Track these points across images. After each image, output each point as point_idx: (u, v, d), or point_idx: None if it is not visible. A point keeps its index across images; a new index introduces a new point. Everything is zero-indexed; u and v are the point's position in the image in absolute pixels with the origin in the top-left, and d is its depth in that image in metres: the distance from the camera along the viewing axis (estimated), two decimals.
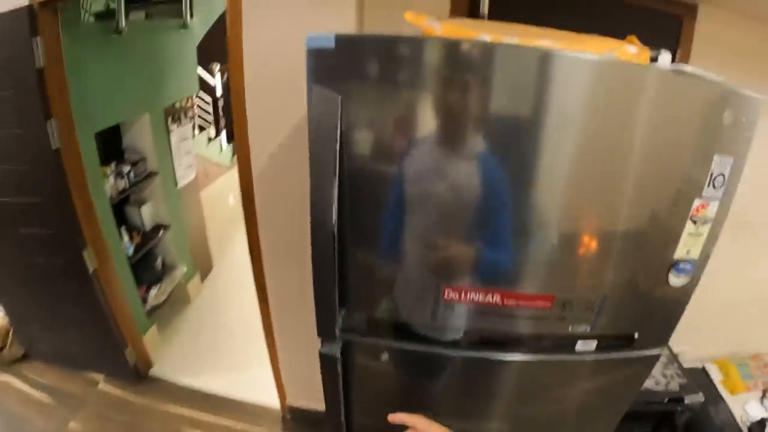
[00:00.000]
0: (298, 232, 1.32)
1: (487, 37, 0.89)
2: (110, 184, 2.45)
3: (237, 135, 1.66)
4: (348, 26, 1.41)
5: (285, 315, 2.01)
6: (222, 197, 4.23)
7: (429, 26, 0.92)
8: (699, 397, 1.85)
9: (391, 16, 1.11)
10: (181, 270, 3.07)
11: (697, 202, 0.94)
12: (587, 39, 0.98)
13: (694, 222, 0.96)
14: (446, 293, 1.00)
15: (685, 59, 1.66)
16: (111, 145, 2.60)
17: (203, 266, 3.47)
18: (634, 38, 1.02)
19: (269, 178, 1.70)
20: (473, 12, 1.55)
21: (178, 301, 3.12)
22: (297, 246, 1.48)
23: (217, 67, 4.70)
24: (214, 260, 3.67)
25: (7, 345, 2.46)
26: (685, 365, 2.02)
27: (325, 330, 1.03)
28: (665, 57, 1.05)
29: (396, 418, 0.75)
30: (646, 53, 0.99)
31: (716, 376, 2.10)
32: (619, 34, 1.07)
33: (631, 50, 0.97)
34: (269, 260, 1.88)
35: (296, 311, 1.88)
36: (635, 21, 1.57)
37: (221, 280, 3.57)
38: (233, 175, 3.23)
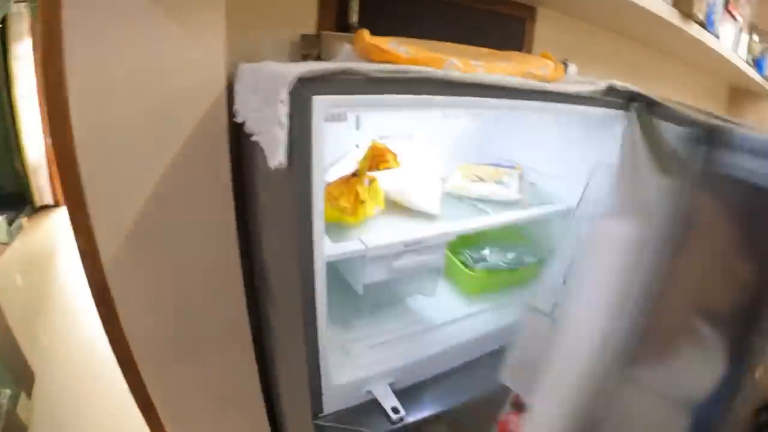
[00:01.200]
0: (184, 320, 1.09)
1: (456, 61, 0.80)
2: None
3: (74, 214, 1.23)
4: (215, 51, 1.14)
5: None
6: (7, 281, 3.35)
7: (393, 50, 0.77)
8: None
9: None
10: (5, 395, 2.34)
11: None
12: (523, 58, 0.97)
13: None
14: None
15: None
16: None
17: (24, 379, 2.70)
18: (547, 53, 1.01)
19: (129, 263, 1.32)
20: (341, 25, 1.41)
21: None
22: (188, 337, 1.20)
23: None
24: (32, 366, 2.90)
25: None
26: None
27: None
28: (572, 68, 1.07)
29: None
30: (561, 66, 1.01)
31: None
32: (476, 38, 1.10)
33: (551, 64, 0.99)
34: (148, 363, 1.49)
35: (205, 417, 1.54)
36: (485, 25, 1.61)
37: (55, 389, 2.83)
38: (14, 251, 2.53)
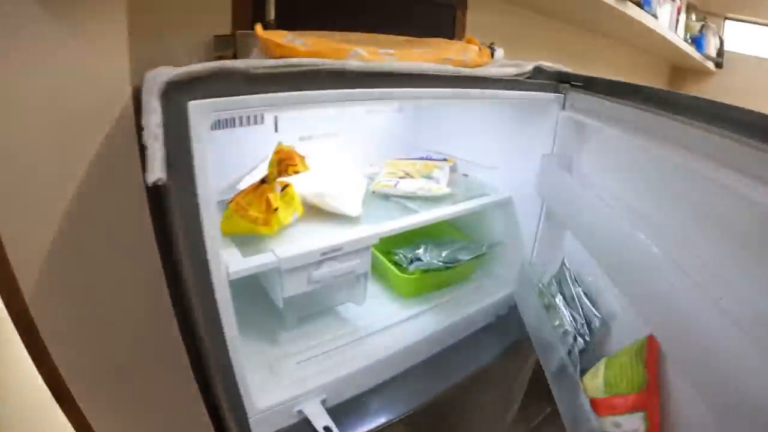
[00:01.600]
0: (116, 343, 1.00)
1: (362, 51, 0.74)
2: None
3: None
4: (118, 60, 1.05)
5: None
6: None
7: (289, 44, 0.70)
8: None
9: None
10: None
11: None
12: (442, 44, 0.92)
13: None
14: None
15: None
16: None
17: None
18: (472, 38, 0.97)
19: (50, 287, 1.21)
20: (258, 22, 1.33)
21: None
22: (123, 362, 1.09)
23: None
24: None
25: None
26: None
27: None
28: (500, 52, 1.03)
29: None
30: (487, 50, 0.97)
31: None
32: (405, 29, 1.05)
33: (476, 49, 0.95)
34: (84, 392, 1.38)
35: None
36: (414, 15, 1.57)
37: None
38: None
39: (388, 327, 1.06)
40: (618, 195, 0.85)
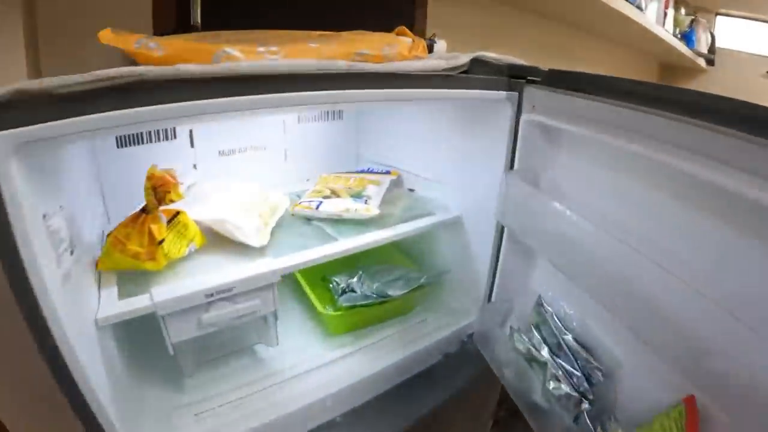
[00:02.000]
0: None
1: (233, 50, 0.58)
2: None
3: None
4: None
5: None
6: None
7: (144, 49, 0.56)
8: None
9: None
10: None
11: None
12: (358, 37, 0.76)
13: None
14: None
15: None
16: None
17: None
18: (404, 29, 0.81)
19: None
20: (183, 25, 1.19)
21: None
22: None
23: None
24: None
25: None
26: None
27: None
28: (441, 44, 0.87)
29: None
30: (422, 42, 0.81)
31: None
32: (359, 23, 0.89)
33: (406, 40, 0.78)
34: None
35: None
36: (361, 9, 1.42)
37: None
38: None
39: (311, 370, 0.90)
40: (605, 213, 0.70)
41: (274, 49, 0.62)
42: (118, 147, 0.94)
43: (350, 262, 0.96)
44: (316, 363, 0.91)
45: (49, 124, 0.47)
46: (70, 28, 0.99)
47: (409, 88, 0.72)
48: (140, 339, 0.87)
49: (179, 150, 1.02)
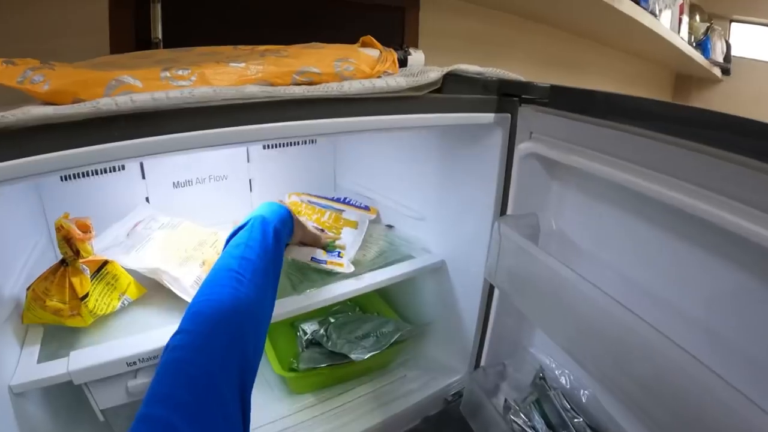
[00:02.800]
0: None
1: (130, 78, 0.47)
2: None
3: None
4: None
5: None
6: None
7: (28, 84, 0.44)
8: None
9: None
10: None
11: None
12: (306, 51, 0.62)
13: None
14: None
15: None
16: None
17: None
18: (370, 38, 0.69)
19: None
20: (143, 41, 1.08)
21: None
22: None
23: None
24: None
25: None
26: None
27: None
28: (417, 56, 0.75)
29: None
30: (392, 55, 0.68)
31: None
32: (339, 34, 0.76)
33: (371, 53, 0.66)
34: None
35: None
36: (358, 18, 1.34)
37: None
38: None
39: None
40: (626, 274, 0.57)
41: (183, 73, 0.49)
42: (62, 180, 0.84)
43: (323, 307, 0.82)
44: (275, 428, 0.79)
45: None
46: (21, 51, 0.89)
47: (359, 116, 0.58)
48: (74, 398, 0.76)
49: (129, 182, 0.91)
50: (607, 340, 0.52)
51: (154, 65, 0.51)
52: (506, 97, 0.68)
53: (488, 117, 0.68)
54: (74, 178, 0.85)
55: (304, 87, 0.54)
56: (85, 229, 0.64)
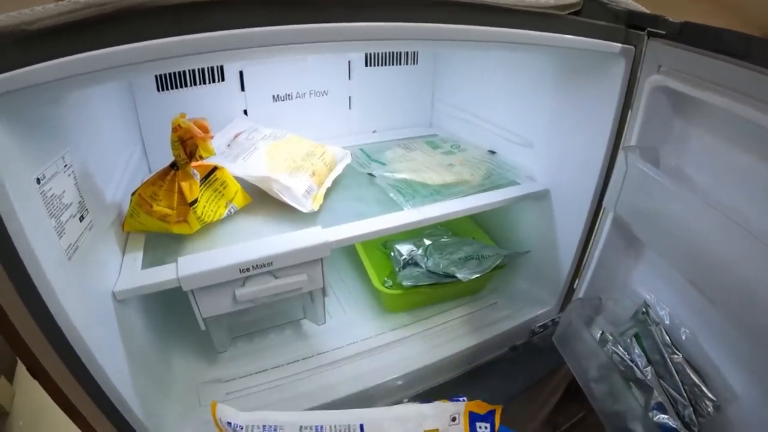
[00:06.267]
0: None
1: None
2: None
3: None
4: None
5: None
6: None
7: None
8: None
9: None
10: None
11: None
12: None
13: None
14: None
15: None
16: None
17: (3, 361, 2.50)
18: None
19: None
20: None
21: None
22: None
23: None
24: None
25: None
26: None
27: None
28: None
29: None
30: None
31: None
32: None
33: None
34: None
35: None
36: None
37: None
38: None
39: (361, 353, 0.80)
40: (747, 216, 0.53)
41: None
42: (158, 90, 0.84)
43: (416, 229, 0.82)
44: (368, 345, 0.81)
45: (20, 71, 0.35)
46: None
47: (507, 27, 0.54)
48: (172, 307, 0.80)
49: (228, 94, 0.91)
50: (735, 271, 0.50)
51: None
52: (634, 29, 0.64)
53: (615, 47, 0.64)
54: (171, 87, 0.85)
55: None
56: (205, 129, 0.63)
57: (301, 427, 0.58)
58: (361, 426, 0.59)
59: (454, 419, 0.60)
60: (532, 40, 0.57)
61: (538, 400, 0.86)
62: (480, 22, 0.52)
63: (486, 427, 0.60)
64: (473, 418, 0.61)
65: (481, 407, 0.62)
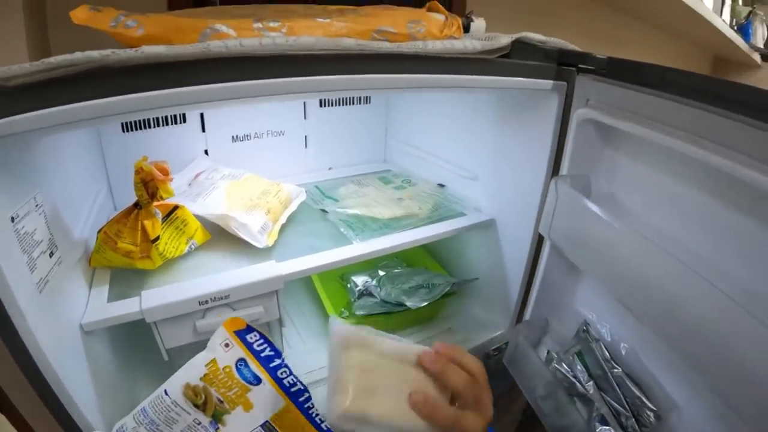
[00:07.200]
0: None
1: (223, 26, 0.49)
2: None
3: None
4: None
5: None
6: None
7: (121, 28, 0.46)
8: None
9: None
10: None
11: None
12: (379, 11, 0.64)
13: None
14: None
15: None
16: None
17: None
18: (436, 3, 0.71)
19: None
20: (201, 3, 1.11)
21: None
22: None
23: None
24: None
25: None
26: None
27: None
28: (479, 23, 0.76)
29: None
30: (457, 20, 0.70)
31: None
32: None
33: (438, 17, 0.68)
34: None
35: None
36: None
37: None
38: None
39: (320, 381, 0.81)
40: (673, 236, 0.59)
41: (274, 24, 0.52)
42: (123, 132, 0.88)
43: (373, 261, 0.86)
44: (326, 373, 0.83)
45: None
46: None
47: (438, 74, 0.61)
48: (137, 338, 0.80)
49: (189, 135, 0.95)
50: (658, 289, 0.55)
51: (242, 17, 0.53)
52: (564, 66, 0.70)
53: (547, 84, 0.71)
54: (135, 129, 0.88)
55: (393, 44, 0.57)
56: (165, 172, 0.66)
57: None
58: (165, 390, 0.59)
59: (227, 345, 0.60)
60: (465, 84, 0.64)
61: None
62: (411, 71, 0.58)
63: (254, 336, 0.61)
64: (241, 335, 0.61)
65: (237, 323, 0.61)
